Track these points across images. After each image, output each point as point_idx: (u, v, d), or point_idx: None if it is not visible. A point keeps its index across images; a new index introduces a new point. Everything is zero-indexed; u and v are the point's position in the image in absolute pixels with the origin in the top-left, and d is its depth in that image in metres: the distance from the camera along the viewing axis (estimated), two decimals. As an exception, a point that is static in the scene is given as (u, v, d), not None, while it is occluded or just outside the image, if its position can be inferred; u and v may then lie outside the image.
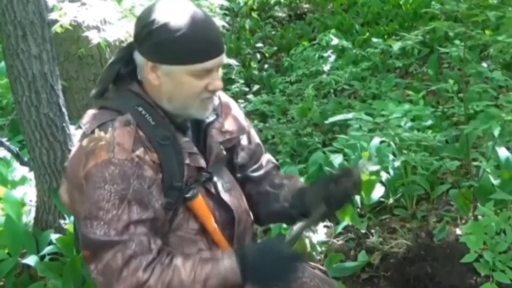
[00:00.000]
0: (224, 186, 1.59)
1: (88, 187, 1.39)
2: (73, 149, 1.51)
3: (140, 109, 1.46)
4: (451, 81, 2.79)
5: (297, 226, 1.57)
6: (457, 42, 2.97)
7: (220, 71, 1.48)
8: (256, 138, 1.75)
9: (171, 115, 1.50)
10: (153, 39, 1.43)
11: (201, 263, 1.41)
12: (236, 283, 1.41)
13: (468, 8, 2.67)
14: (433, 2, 5.56)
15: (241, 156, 1.69)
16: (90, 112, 1.51)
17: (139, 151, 1.41)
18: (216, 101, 1.61)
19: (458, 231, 2.59)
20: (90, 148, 1.41)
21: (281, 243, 1.48)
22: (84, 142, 1.42)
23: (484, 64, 3.98)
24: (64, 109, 2.60)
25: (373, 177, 2.88)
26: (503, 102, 2.58)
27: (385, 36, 5.30)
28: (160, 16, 1.43)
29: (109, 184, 1.37)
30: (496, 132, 2.51)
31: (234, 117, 1.66)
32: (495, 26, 4.22)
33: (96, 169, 1.38)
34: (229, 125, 1.63)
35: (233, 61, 4.33)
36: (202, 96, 1.46)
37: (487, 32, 4.16)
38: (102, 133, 1.42)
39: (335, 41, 4.98)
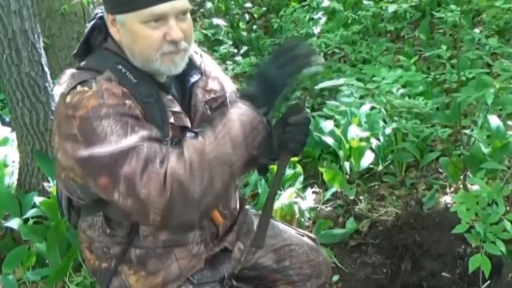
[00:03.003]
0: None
1: (84, 130, 1.30)
2: (56, 111, 1.42)
3: (120, 67, 1.40)
4: (443, 47, 2.74)
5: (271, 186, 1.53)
6: (452, 7, 2.90)
7: (186, 21, 1.39)
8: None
9: (150, 73, 1.43)
10: None
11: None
12: (255, 115, 1.31)
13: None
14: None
15: None
16: (68, 71, 1.44)
17: (128, 101, 1.35)
18: (198, 60, 1.55)
19: (448, 199, 2.58)
20: (76, 101, 1.33)
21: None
22: (68, 98, 1.34)
23: (477, 30, 3.93)
24: (46, 68, 2.51)
25: (363, 144, 2.85)
26: (498, 69, 2.54)
27: (377, -1, 5.20)
28: None
29: (105, 119, 1.30)
30: (490, 100, 2.48)
31: (217, 76, 1.61)
32: (489, -9, 4.16)
33: (88, 114, 1.30)
34: (213, 84, 1.57)
35: (221, 22, 4.23)
36: (164, 49, 1.37)
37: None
38: (86, 88, 1.35)
39: (325, 2, 4.87)
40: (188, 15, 1.41)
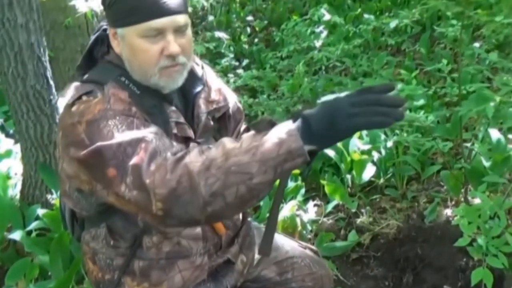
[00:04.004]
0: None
1: (91, 132, 1.29)
2: (61, 121, 1.43)
3: (123, 79, 1.42)
4: (444, 61, 2.77)
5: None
6: (453, 22, 2.93)
7: (185, 36, 1.40)
8: (239, 112, 1.72)
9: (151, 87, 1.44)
10: (107, 3, 1.40)
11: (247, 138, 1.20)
12: (296, 147, 1.15)
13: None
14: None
15: (229, 128, 1.67)
16: (72, 85, 1.46)
17: (134, 108, 1.36)
18: (200, 71, 1.57)
19: (449, 213, 2.59)
20: (82, 108, 1.33)
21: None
22: (73, 108, 1.35)
23: (477, 44, 3.96)
24: (51, 81, 2.53)
25: (365, 157, 2.87)
26: (498, 83, 2.56)
27: (377, 13, 5.24)
28: None
29: (111, 119, 1.29)
30: (490, 114, 2.50)
31: (219, 87, 1.62)
32: (488, 6, 4.20)
33: (95, 117, 1.31)
34: (215, 95, 1.59)
35: (223, 35, 4.26)
36: (161, 64, 1.38)
37: (481, 11, 4.14)
38: (91, 97, 1.36)
39: (327, 16, 4.91)
40: (188, 31, 1.42)
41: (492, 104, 2.37)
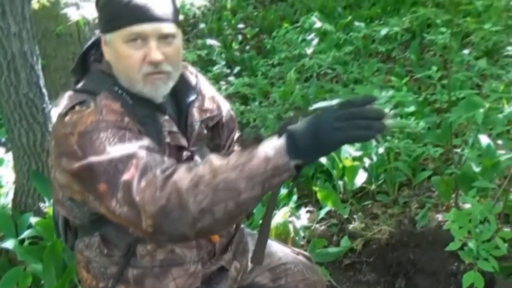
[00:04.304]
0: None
1: (83, 145, 1.30)
2: (54, 131, 1.43)
3: (116, 88, 1.42)
4: (434, 68, 2.80)
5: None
6: (443, 29, 2.97)
7: (171, 45, 1.40)
8: (233, 120, 1.73)
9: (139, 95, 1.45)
10: (98, 9, 1.43)
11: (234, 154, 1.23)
12: (286, 162, 1.17)
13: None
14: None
15: (223, 137, 1.68)
16: (66, 94, 1.46)
17: (127, 118, 1.37)
18: (193, 80, 1.58)
19: (440, 218, 2.62)
20: (75, 119, 1.34)
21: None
22: (66, 118, 1.36)
23: (466, 51, 4.00)
24: (44, 90, 2.54)
25: (356, 163, 2.89)
26: (487, 90, 2.60)
27: (368, 20, 5.28)
28: None
29: (104, 131, 1.30)
30: (480, 120, 2.53)
31: (212, 96, 1.64)
32: (477, 14, 4.25)
33: (87, 128, 1.32)
34: (209, 103, 1.60)
35: (214, 42, 4.28)
36: (144, 70, 1.39)
37: (469, 19, 4.19)
38: (84, 107, 1.37)
39: (318, 24, 4.94)
40: (176, 40, 1.42)
41: (481, 110, 2.41)
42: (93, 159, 1.28)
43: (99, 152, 1.28)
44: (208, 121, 1.59)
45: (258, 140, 1.23)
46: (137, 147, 1.29)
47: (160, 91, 1.42)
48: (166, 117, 1.48)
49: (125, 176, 1.24)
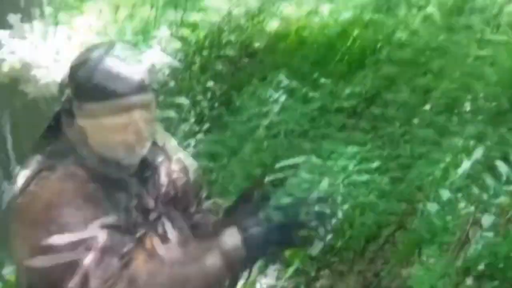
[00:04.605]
0: (173, 227, 1.58)
1: (45, 218, 1.34)
2: (19, 197, 1.45)
3: (84, 152, 1.44)
4: (397, 124, 2.89)
5: None
6: (404, 86, 3.09)
7: (149, 111, 1.45)
8: (200, 179, 1.76)
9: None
10: (75, 78, 1.46)
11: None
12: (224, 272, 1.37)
13: (412, 53, 2.81)
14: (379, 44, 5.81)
15: (190, 197, 1.70)
16: (33, 158, 1.48)
17: (93, 185, 1.38)
18: (161, 141, 1.61)
19: (404, 273, 2.64)
20: (40, 185, 1.39)
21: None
22: (32, 184, 1.38)
23: (428, 106, 4.13)
24: (11, 154, 2.52)
25: (323, 219, 2.91)
26: (448, 145, 2.69)
27: (334, 77, 5.43)
28: (82, 57, 1.44)
29: (66, 206, 1.34)
30: (439, 175, 2.60)
31: (179, 157, 1.67)
32: (438, 70, 4.42)
33: (51, 198, 1.35)
34: (176, 165, 1.63)
35: (183, 100, 4.33)
36: (127, 140, 1.43)
37: (430, 75, 4.35)
38: (49, 173, 1.38)
39: (285, 81, 5.05)
40: (153, 104, 1.48)
41: (442, 165, 2.48)
42: (53, 237, 1.31)
43: (60, 229, 1.29)
44: (175, 182, 1.61)
45: (218, 228, 1.31)
46: (98, 226, 1.31)
47: (138, 157, 1.48)
48: (134, 180, 1.49)
49: (83, 262, 1.27)
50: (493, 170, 2.79)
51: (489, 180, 2.59)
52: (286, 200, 1.44)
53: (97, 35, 2.89)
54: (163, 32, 3.35)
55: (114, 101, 1.40)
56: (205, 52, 6.34)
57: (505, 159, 2.93)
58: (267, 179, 3.74)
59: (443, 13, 5.13)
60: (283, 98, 5.13)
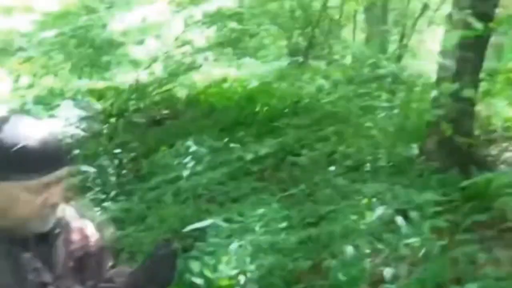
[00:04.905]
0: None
1: None
2: None
3: None
4: (303, 186, 2.99)
5: None
6: (305, 151, 3.22)
7: (64, 184, 1.44)
8: (106, 248, 1.71)
9: (8, 230, 1.41)
10: None
11: None
12: None
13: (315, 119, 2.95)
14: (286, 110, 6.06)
15: (92, 267, 1.64)
16: None
17: None
18: (61, 211, 1.56)
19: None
20: None
21: None
22: None
23: (332, 168, 4.30)
24: None
25: (232, 282, 2.89)
26: (351, 203, 2.81)
27: (242, 142, 5.54)
28: None
29: None
30: (343, 232, 2.70)
31: (80, 226, 1.62)
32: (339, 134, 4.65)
33: None
34: (75, 234, 1.58)
35: (89, 168, 4.23)
36: (43, 213, 1.40)
37: (334, 138, 4.57)
38: None
39: (194, 147, 5.10)
40: (67, 176, 1.45)
41: (346, 223, 2.58)
42: None
43: None
44: (75, 253, 1.55)
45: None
46: None
47: (49, 225, 1.43)
48: (28, 254, 1.43)
49: None
50: (393, 225, 2.93)
51: (389, 235, 2.71)
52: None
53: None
54: (67, 101, 3.29)
55: (31, 181, 1.38)
56: (112, 120, 6.29)
57: (404, 215, 3.09)
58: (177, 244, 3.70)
59: (347, 80, 5.47)
60: (191, 164, 5.16)
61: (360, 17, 8.70)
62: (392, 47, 7.22)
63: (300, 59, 6.91)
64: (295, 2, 7.26)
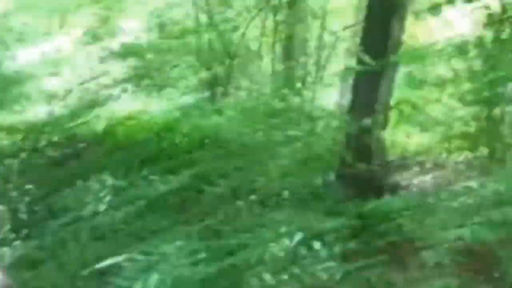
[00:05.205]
0: None
1: None
2: None
3: None
4: (220, 215, 2.97)
5: None
6: (221, 181, 3.24)
7: None
8: None
9: None
10: None
11: None
12: None
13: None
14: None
15: None
16: None
17: None
18: None
19: None
20: None
21: None
22: None
23: (253, 196, 4.31)
24: None
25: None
26: (264, 233, 2.82)
27: (161, 173, 5.45)
28: None
29: None
30: (260, 260, 2.68)
31: None
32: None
33: None
34: None
35: (-1, 206, 4.00)
36: None
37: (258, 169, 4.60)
38: None
39: (110, 180, 4.96)
40: None
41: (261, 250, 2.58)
42: None
43: None
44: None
45: None
46: None
47: None
48: None
49: None
50: (311, 251, 2.96)
51: (307, 260, 2.74)
52: None
53: None
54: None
55: None
56: (23, 155, 6.01)
57: (321, 240, 3.14)
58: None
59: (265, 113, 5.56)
60: (108, 198, 4.99)
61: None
62: (305, 79, 7.43)
63: (220, 89, 6.97)
64: (213, 35, 7.34)
